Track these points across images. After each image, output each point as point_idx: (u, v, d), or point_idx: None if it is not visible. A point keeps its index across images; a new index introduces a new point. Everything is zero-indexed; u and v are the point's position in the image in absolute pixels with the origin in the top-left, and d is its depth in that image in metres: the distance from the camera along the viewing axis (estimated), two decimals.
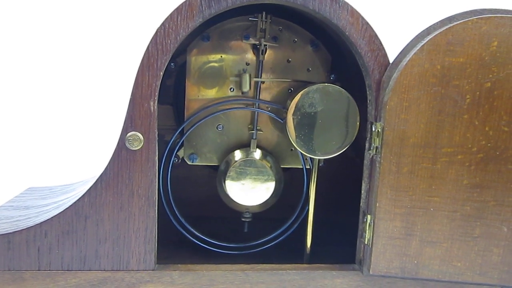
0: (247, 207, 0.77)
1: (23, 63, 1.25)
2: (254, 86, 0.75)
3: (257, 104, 0.75)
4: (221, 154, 0.78)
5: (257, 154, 0.75)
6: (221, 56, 0.75)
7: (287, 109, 0.69)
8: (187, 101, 0.75)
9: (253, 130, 0.75)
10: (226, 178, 0.73)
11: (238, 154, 0.75)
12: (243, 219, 0.78)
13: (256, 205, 0.76)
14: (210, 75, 0.75)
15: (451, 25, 0.60)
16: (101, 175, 0.63)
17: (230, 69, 0.75)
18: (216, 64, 0.75)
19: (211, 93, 0.76)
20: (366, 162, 0.67)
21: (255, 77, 0.75)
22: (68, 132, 1.27)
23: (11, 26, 1.24)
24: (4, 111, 1.27)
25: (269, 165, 0.74)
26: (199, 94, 0.75)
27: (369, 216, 0.66)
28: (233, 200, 0.74)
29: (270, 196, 0.74)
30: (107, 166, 0.63)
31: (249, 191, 0.73)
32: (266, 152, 0.77)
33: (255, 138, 0.75)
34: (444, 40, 0.60)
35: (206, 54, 0.75)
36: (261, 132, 0.76)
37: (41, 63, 1.25)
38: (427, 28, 0.64)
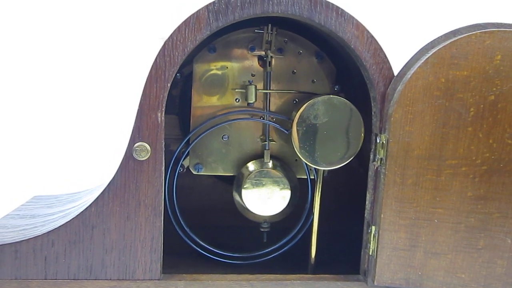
0: (265, 218, 0.78)
1: (30, 70, 1.26)
2: (262, 97, 0.76)
3: (266, 116, 0.76)
4: (226, 164, 0.78)
5: (270, 164, 0.76)
6: (227, 67, 0.76)
7: (292, 120, 0.70)
8: (193, 112, 0.76)
9: (265, 141, 0.76)
10: (243, 190, 0.73)
11: (251, 166, 0.76)
12: (261, 229, 0.79)
13: (274, 215, 0.77)
14: (216, 86, 0.76)
15: (455, 38, 0.61)
16: (108, 185, 0.64)
17: (236, 80, 0.76)
18: (222, 75, 0.76)
19: (217, 103, 0.76)
20: (371, 173, 0.67)
21: (261, 89, 0.75)
22: (74, 141, 1.28)
23: (21, 39, 1.25)
24: (10, 119, 1.27)
25: (283, 174, 0.75)
26: (205, 105, 0.76)
27: (373, 227, 0.67)
28: (250, 211, 0.75)
29: (287, 205, 0.75)
30: (114, 176, 0.64)
31: (266, 201, 0.74)
32: (278, 162, 0.77)
33: (268, 149, 0.76)
34: (448, 53, 0.61)
35: (212, 65, 0.76)
36: (274, 142, 0.77)
37: (48, 71, 1.26)
38: (431, 42, 0.64)
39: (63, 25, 1.24)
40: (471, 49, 0.61)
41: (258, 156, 0.78)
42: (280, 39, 0.76)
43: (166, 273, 0.67)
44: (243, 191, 0.73)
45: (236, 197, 0.77)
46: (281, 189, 0.74)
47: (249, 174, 0.74)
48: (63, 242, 0.64)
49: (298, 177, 0.80)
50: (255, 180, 0.73)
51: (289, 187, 0.74)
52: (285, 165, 0.78)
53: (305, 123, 0.69)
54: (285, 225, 0.77)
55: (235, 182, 0.77)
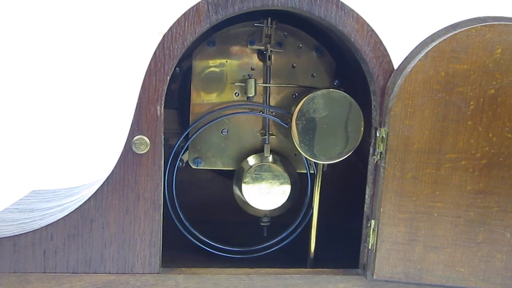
0: (265, 212, 0.78)
1: (28, 66, 1.26)
2: (262, 91, 0.76)
3: (267, 110, 0.75)
4: (226, 158, 0.78)
5: (270, 158, 0.76)
6: (226, 61, 0.76)
7: (292, 114, 0.70)
8: (192, 106, 0.76)
9: (265, 136, 0.76)
10: (243, 184, 0.73)
11: (251, 160, 0.76)
12: (261, 224, 0.79)
13: (274, 209, 0.76)
14: (215, 80, 0.76)
15: (455, 32, 0.61)
16: (107, 178, 0.63)
17: (235, 74, 0.76)
18: (221, 69, 0.76)
19: (216, 97, 0.76)
20: (370, 167, 0.67)
21: (260, 83, 0.75)
22: (73, 135, 1.27)
23: (20, 32, 1.25)
24: (9, 113, 1.27)
25: (283, 168, 0.75)
26: (204, 99, 0.76)
27: (373, 221, 0.67)
28: (250, 206, 0.75)
29: (287, 199, 0.74)
30: (113, 170, 0.63)
31: (266, 196, 0.74)
32: (277, 157, 0.77)
33: (268, 143, 0.76)
34: (448, 47, 0.61)
35: (212, 59, 0.75)
36: (274, 136, 0.77)
37: (47, 66, 1.26)
38: (431, 35, 0.64)
39: (61, 18, 1.23)
40: (471, 42, 0.61)
41: (257, 150, 0.77)
42: (279, 33, 0.75)
43: (165, 267, 0.67)
44: (243, 185, 0.73)
45: (236, 191, 0.77)
46: (281, 183, 0.74)
47: (249, 168, 0.74)
48: (62, 235, 0.64)
49: (297, 171, 0.80)
50: (255, 174, 0.73)
51: (289, 181, 0.74)
52: (285, 160, 0.78)
53: (304, 117, 0.69)
54: (285, 220, 0.77)
55: (235, 176, 0.77)
